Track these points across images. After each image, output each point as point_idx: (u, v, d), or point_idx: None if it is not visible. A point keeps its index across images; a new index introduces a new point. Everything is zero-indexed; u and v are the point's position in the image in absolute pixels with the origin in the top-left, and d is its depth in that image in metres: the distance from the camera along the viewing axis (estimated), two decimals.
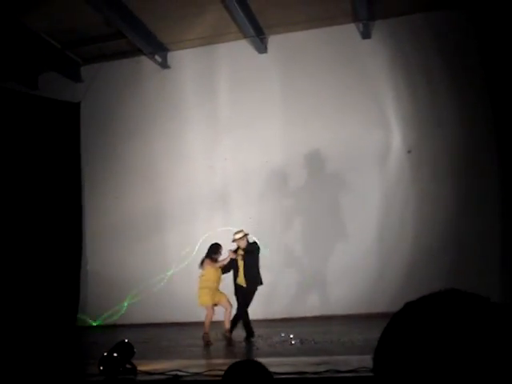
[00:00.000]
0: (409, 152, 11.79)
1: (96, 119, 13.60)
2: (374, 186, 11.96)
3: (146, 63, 13.32)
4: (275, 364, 6.98)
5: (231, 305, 9.24)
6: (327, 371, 5.33)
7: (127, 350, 6.17)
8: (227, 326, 9.12)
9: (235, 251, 9.30)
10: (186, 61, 13.21)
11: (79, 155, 13.68)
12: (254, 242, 9.44)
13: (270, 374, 2.10)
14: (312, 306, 11.44)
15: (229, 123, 12.80)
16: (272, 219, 11.91)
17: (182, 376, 5.59)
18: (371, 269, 11.74)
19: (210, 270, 9.21)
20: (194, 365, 6.04)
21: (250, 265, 9.17)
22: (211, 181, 12.82)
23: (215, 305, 9.27)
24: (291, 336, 8.78)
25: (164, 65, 13.35)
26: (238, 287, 9.27)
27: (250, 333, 9.12)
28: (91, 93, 13.50)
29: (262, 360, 6.79)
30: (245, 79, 12.71)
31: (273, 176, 12.35)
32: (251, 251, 9.21)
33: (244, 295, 9.18)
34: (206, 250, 9.54)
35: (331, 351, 7.31)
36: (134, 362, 6.08)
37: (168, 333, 10.73)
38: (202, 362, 6.45)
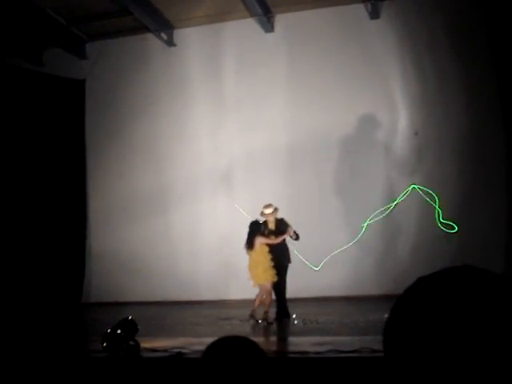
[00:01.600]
0: (416, 134, 11.75)
1: (101, 97, 13.55)
2: (380, 168, 11.93)
3: (152, 41, 13.25)
4: (278, 343, 7.05)
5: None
6: (329, 351, 5.36)
7: (131, 327, 6.21)
8: (256, 306, 8.92)
9: (267, 227, 9.12)
10: (192, 39, 13.12)
11: (84, 133, 13.67)
12: (282, 219, 9.18)
13: (262, 351, 2.01)
14: (315, 287, 11.48)
15: (234, 102, 12.75)
16: (276, 200, 11.89)
17: (185, 353, 5.63)
18: (375, 251, 11.76)
19: (261, 247, 8.95)
20: (197, 343, 6.07)
21: (281, 243, 9.02)
22: (216, 160, 12.81)
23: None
24: (294, 316, 8.82)
25: (170, 42, 13.27)
26: None
27: (282, 312, 8.92)
28: (96, 70, 13.45)
29: (265, 340, 6.84)
30: (251, 58, 12.63)
31: (278, 157, 12.32)
32: (282, 229, 9.02)
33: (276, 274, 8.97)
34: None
35: (333, 332, 7.35)
36: (138, 339, 6.12)
37: (171, 311, 10.80)
38: (206, 340, 6.48)
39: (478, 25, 11.26)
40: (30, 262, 11.87)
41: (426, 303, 0.87)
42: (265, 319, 8.79)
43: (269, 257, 8.94)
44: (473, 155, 11.24)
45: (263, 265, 8.89)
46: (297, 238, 9.13)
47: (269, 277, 8.89)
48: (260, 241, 8.96)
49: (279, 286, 8.99)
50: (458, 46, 11.42)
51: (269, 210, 9.10)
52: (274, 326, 8.58)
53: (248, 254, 9.06)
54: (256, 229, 9.05)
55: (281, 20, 12.65)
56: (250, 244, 8.99)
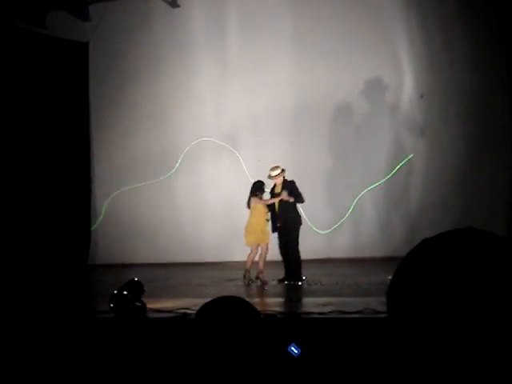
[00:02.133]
0: (421, 97, 11.65)
1: (104, 59, 13.45)
2: (385, 131, 11.88)
3: (156, 2, 13.07)
4: (283, 304, 7.14)
5: (268, 249, 9.08)
6: (332, 312, 5.43)
7: (137, 288, 6.28)
8: (261, 267, 9.01)
9: (273, 191, 9.14)
10: (197, 0, 12.95)
11: (87, 95, 13.61)
12: (292, 181, 9.03)
13: (254, 308, 2.04)
14: (319, 249, 11.55)
15: (239, 64, 12.64)
16: (281, 163, 11.89)
17: (190, 314, 5.71)
18: (379, 213, 11.80)
19: (256, 210, 9.01)
20: (202, 303, 6.15)
21: (287, 204, 8.89)
22: (220, 122, 12.77)
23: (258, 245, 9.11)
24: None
25: (173, 4, 13.09)
26: (277, 228, 9.06)
27: (290, 275, 8.90)
28: (100, 32, 13.31)
29: (270, 300, 6.91)
30: (256, 19, 12.45)
31: (282, 119, 12.26)
32: (289, 190, 8.88)
33: (282, 236, 8.99)
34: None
35: (337, 293, 7.43)
36: (144, 300, 6.20)
37: (176, 273, 10.91)
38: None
39: None
40: (36, 225, 11.95)
41: (430, 264, 0.89)
42: (246, 277, 8.97)
43: (262, 220, 9.03)
44: (478, 117, 11.16)
45: (252, 227, 9.03)
46: (297, 199, 8.95)
47: (256, 239, 9.02)
48: (254, 201, 9.03)
49: (286, 249, 8.99)
50: (465, 6, 11.24)
51: (275, 173, 9.05)
52: (281, 288, 8.64)
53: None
54: (255, 189, 9.13)
55: None
56: (247, 204, 9.14)
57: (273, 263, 9.28)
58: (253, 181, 9.42)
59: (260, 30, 12.36)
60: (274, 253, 9.11)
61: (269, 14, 12.38)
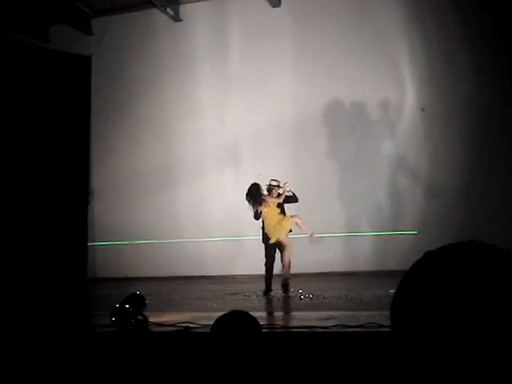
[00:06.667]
0: (422, 110, 11.67)
1: (107, 73, 13.50)
2: (387, 144, 11.89)
3: (158, 16, 13.15)
4: (284, 318, 7.10)
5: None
6: (335, 326, 5.40)
7: (139, 302, 6.25)
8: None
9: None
10: (199, 14, 13.03)
11: (89, 109, 13.62)
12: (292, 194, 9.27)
13: (257, 322, 2.12)
14: (321, 263, 11.52)
15: (240, 78, 12.69)
16: (282, 176, 11.87)
17: (192, 328, 5.69)
18: (381, 226, 11.77)
19: (265, 211, 9.14)
20: (204, 317, 6.12)
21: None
22: (222, 136, 12.80)
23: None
24: (300, 291, 8.88)
25: (176, 18, 13.17)
26: (265, 237, 9.16)
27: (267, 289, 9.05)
28: (102, 46, 13.37)
29: (270, 314, 6.86)
30: (257, 33, 12.54)
31: (284, 132, 12.29)
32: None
33: (272, 246, 9.07)
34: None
35: (340, 307, 7.40)
36: (146, 313, 6.18)
37: (178, 286, 10.88)
38: (212, 314, 6.54)
39: None
40: (31, 237, 11.87)
41: (433, 278, 0.88)
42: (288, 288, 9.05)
43: (275, 219, 9.15)
44: (480, 131, 11.16)
45: (271, 226, 9.16)
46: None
47: (278, 235, 9.12)
48: (262, 208, 9.21)
49: (268, 260, 9.17)
50: (467, 18, 11.26)
51: (274, 183, 9.34)
52: (282, 301, 8.64)
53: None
54: (255, 196, 9.29)
55: None
56: (254, 215, 9.32)
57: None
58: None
59: (262, 43, 12.43)
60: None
61: (270, 29, 12.45)
